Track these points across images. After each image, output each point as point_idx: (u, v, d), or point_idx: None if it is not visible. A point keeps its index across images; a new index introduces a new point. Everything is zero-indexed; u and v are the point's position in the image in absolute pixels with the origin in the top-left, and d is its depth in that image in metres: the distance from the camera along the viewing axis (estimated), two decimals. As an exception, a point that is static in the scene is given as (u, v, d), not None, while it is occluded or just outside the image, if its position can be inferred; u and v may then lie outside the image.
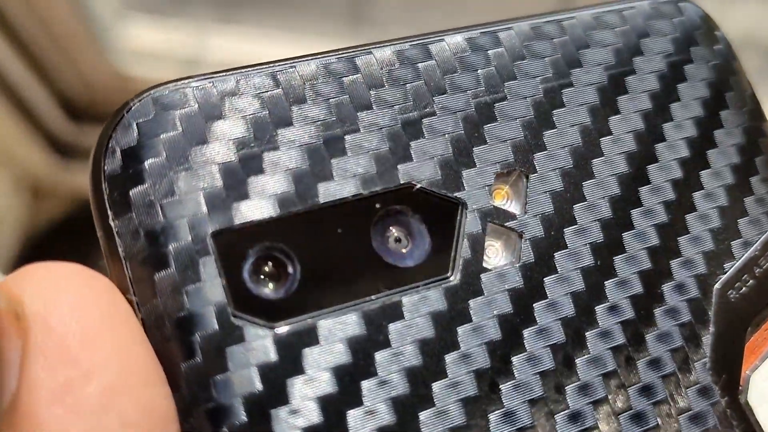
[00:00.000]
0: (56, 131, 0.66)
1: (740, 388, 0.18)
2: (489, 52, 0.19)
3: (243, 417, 0.15)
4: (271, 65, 0.17)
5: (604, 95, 0.19)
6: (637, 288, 0.18)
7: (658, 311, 0.18)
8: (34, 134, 0.65)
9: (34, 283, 0.15)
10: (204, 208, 0.16)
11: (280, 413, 0.15)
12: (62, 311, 0.15)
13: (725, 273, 0.19)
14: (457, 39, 0.19)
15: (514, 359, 0.17)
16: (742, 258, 0.19)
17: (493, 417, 0.16)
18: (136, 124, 0.16)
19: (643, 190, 0.19)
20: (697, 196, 0.19)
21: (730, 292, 0.19)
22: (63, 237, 0.68)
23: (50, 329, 0.14)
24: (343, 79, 0.18)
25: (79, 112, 0.67)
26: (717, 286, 0.19)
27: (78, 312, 0.15)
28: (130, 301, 0.16)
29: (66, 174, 0.67)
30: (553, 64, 0.19)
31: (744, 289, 0.19)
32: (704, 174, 0.19)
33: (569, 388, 0.17)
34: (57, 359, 0.14)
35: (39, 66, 0.64)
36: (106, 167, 0.16)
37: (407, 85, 0.18)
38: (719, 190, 0.19)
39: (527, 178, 0.18)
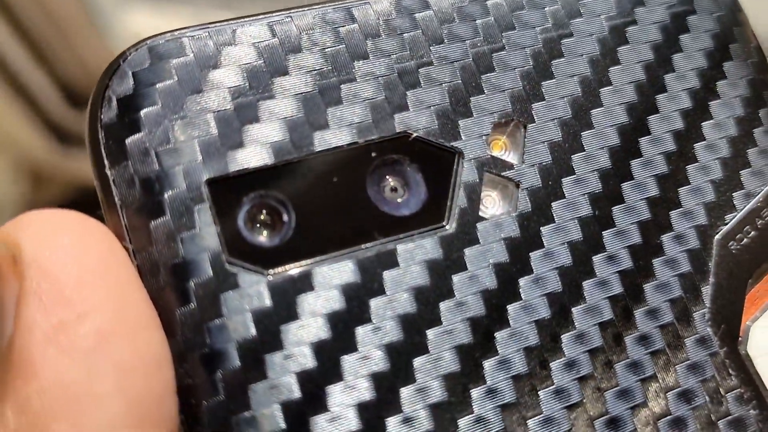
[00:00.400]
0: (56, 117, 0.67)
1: (740, 339, 0.18)
2: (487, 2, 0.19)
3: (237, 362, 0.15)
4: (268, 15, 0.18)
5: (604, 46, 0.19)
6: (636, 238, 0.18)
7: (657, 262, 0.18)
8: (34, 120, 0.65)
9: (31, 228, 0.15)
10: (199, 156, 0.16)
11: (274, 358, 0.16)
12: (58, 255, 0.15)
13: (726, 224, 0.19)
14: None
15: (510, 308, 0.17)
16: (744, 209, 0.19)
17: (488, 364, 0.17)
18: (132, 73, 0.17)
19: (643, 141, 0.19)
20: (698, 147, 0.19)
21: (731, 243, 0.19)
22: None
23: (46, 272, 0.15)
24: (340, 28, 0.18)
25: (79, 99, 0.67)
26: (718, 237, 0.19)
27: (74, 256, 0.15)
28: (126, 249, 0.16)
29: (66, 160, 0.68)
30: (553, 15, 0.19)
31: (745, 240, 0.19)
32: (706, 125, 0.20)
33: (565, 338, 0.17)
34: (52, 301, 0.15)
35: (40, 52, 0.65)
36: (102, 116, 0.16)
37: (404, 34, 0.18)
38: (721, 141, 0.20)
39: (525, 128, 0.18)
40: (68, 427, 0.14)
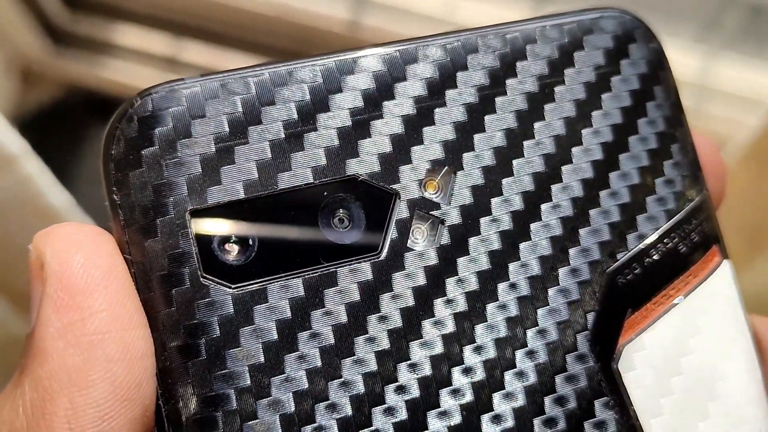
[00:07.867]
0: (51, 16, 0.73)
1: (614, 356, 0.26)
2: (435, 62, 0.26)
3: (203, 355, 0.23)
4: (249, 70, 0.25)
5: (532, 103, 0.26)
6: (536, 270, 0.26)
7: (552, 290, 0.26)
8: (30, 18, 0.72)
9: (55, 242, 0.23)
10: (185, 191, 0.24)
11: (232, 353, 0.23)
12: (72, 269, 0.22)
13: (617, 261, 0.26)
14: (409, 49, 0.26)
15: (424, 322, 0.25)
16: (634, 249, 0.27)
17: (402, 366, 0.24)
18: (137, 118, 0.24)
19: (555, 188, 0.26)
20: (603, 194, 0.27)
21: (618, 277, 0.26)
22: (51, 121, 0.76)
23: (61, 282, 0.22)
24: (305, 85, 0.25)
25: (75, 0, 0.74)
26: (608, 271, 0.26)
27: (84, 270, 0.22)
28: (127, 260, 0.23)
29: (57, 60, 0.74)
30: (491, 74, 0.26)
31: (631, 275, 0.26)
32: (613, 175, 0.27)
33: (466, 349, 0.25)
34: (64, 305, 0.22)
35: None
36: (112, 151, 0.24)
37: (360, 90, 0.25)
38: (624, 189, 0.27)
39: (455, 174, 0.26)
40: (66, 402, 0.22)
